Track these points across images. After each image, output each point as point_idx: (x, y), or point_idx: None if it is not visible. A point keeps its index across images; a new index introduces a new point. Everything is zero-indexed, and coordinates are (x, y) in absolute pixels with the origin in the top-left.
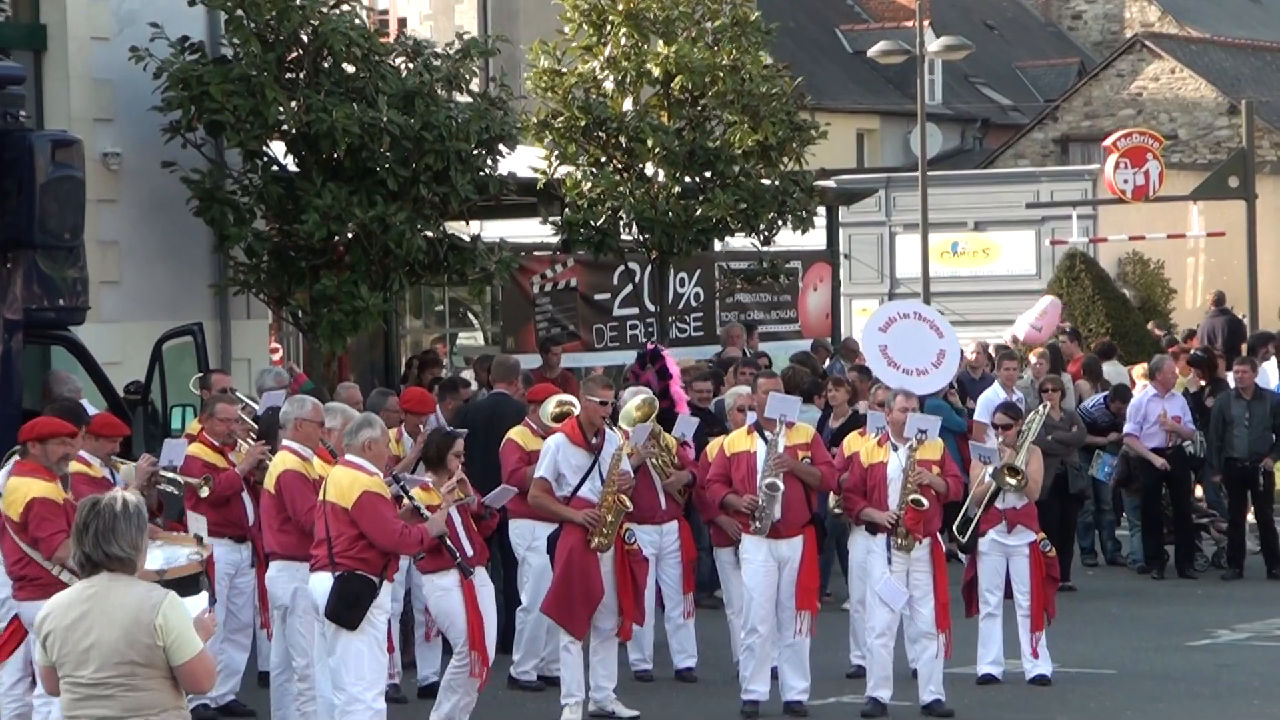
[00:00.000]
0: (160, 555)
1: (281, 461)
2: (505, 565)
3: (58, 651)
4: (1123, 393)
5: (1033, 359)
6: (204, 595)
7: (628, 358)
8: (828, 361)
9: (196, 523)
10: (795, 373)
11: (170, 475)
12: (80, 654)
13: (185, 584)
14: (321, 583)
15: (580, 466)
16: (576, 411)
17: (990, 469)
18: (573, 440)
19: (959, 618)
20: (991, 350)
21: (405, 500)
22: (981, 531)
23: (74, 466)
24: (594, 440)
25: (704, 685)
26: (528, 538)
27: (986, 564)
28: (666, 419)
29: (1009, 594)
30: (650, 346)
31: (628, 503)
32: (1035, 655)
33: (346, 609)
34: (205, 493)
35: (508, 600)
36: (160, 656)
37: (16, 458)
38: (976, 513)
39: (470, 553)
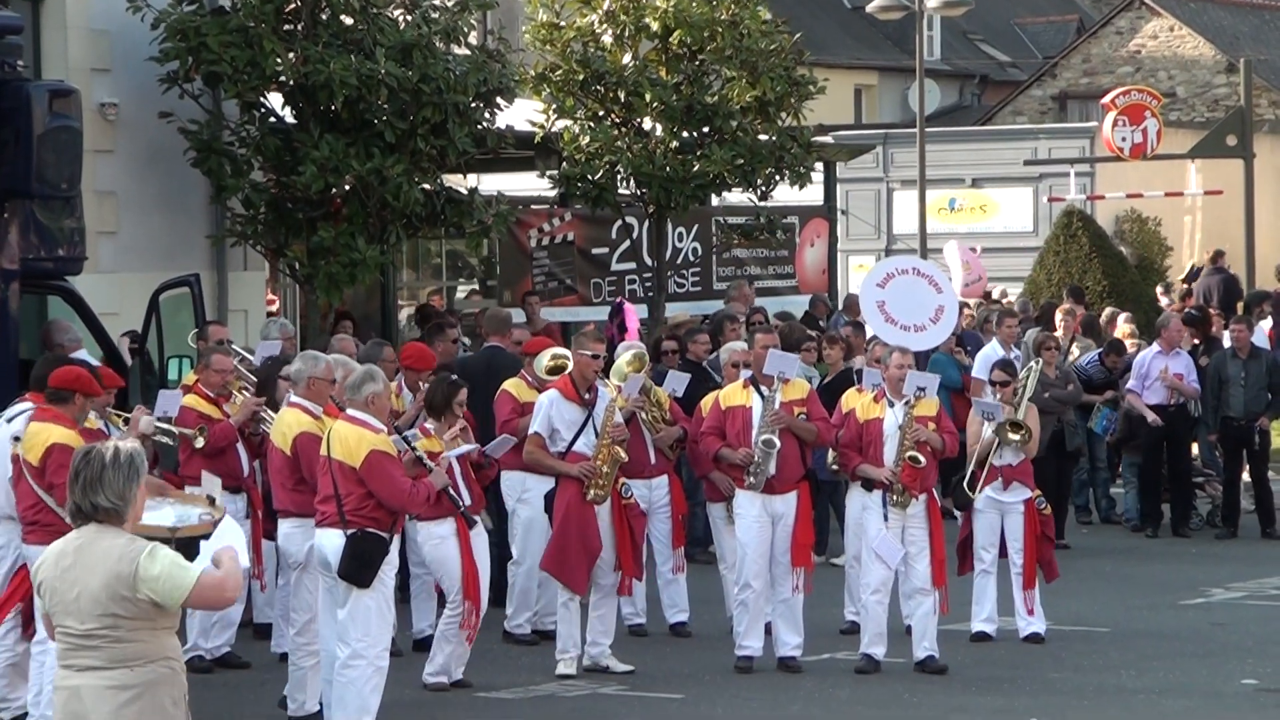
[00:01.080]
0: (172, 513)
1: (296, 422)
2: (497, 518)
3: (49, 601)
4: (1118, 347)
5: (1059, 318)
6: (240, 536)
7: None
8: (829, 316)
9: (210, 483)
10: (791, 328)
11: (164, 427)
12: (68, 605)
13: (193, 545)
14: (331, 540)
15: (574, 421)
16: (570, 366)
17: (994, 425)
18: (566, 395)
19: (954, 575)
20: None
21: (408, 451)
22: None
23: None
24: (587, 395)
25: (697, 640)
26: (518, 489)
27: (982, 521)
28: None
29: (1004, 553)
30: (618, 301)
31: (623, 454)
32: (1030, 613)
33: (361, 568)
34: (200, 443)
35: (500, 554)
36: (143, 608)
37: (28, 404)
38: (980, 471)
39: (468, 501)
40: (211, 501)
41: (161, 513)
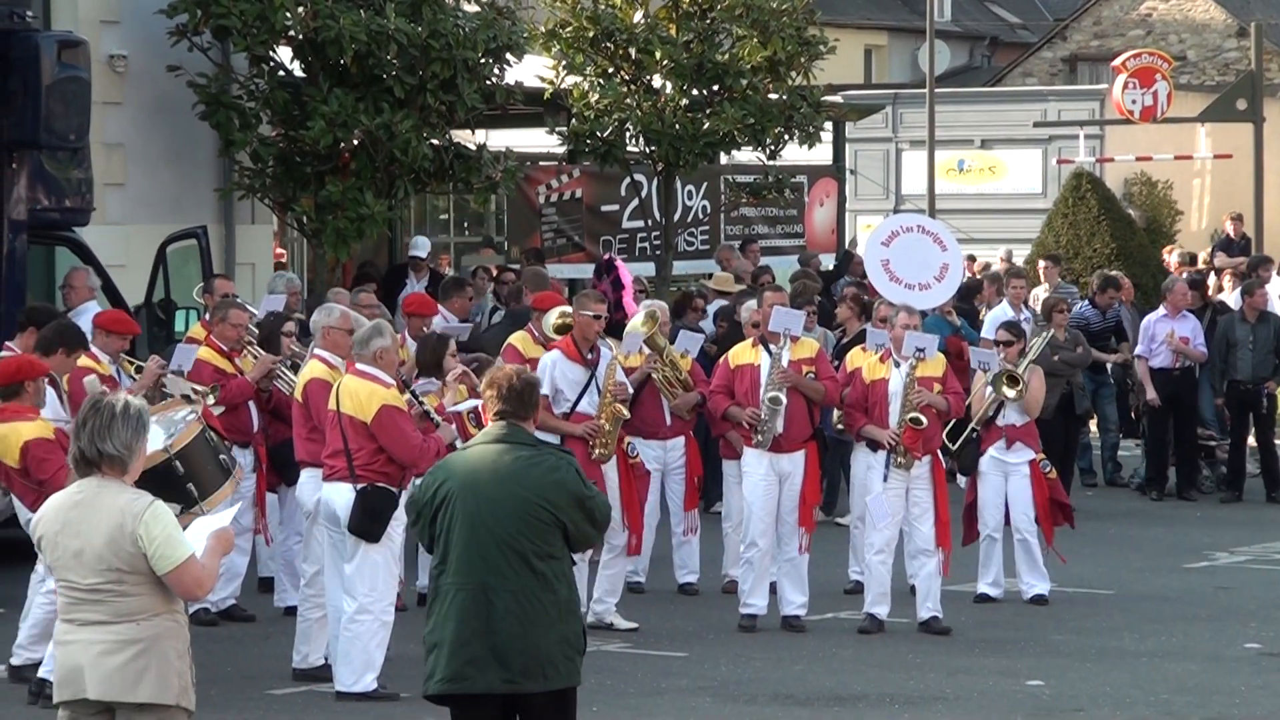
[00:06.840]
0: (159, 431)
1: (309, 370)
2: None
3: (50, 556)
4: (1113, 282)
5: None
6: (230, 511)
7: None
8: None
9: (176, 384)
10: (805, 286)
11: (175, 380)
12: (70, 559)
13: (197, 448)
14: (340, 494)
15: (577, 381)
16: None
17: (989, 376)
18: (568, 356)
19: (958, 537)
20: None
21: (415, 406)
22: (981, 450)
23: (82, 361)
24: (589, 355)
25: (702, 598)
26: None
27: (987, 483)
28: (617, 331)
29: (1008, 520)
30: (607, 257)
31: (625, 411)
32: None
33: (371, 523)
34: (211, 400)
35: None
36: (145, 563)
37: None
38: (978, 430)
39: None
40: (187, 399)
41: (150, 435)
